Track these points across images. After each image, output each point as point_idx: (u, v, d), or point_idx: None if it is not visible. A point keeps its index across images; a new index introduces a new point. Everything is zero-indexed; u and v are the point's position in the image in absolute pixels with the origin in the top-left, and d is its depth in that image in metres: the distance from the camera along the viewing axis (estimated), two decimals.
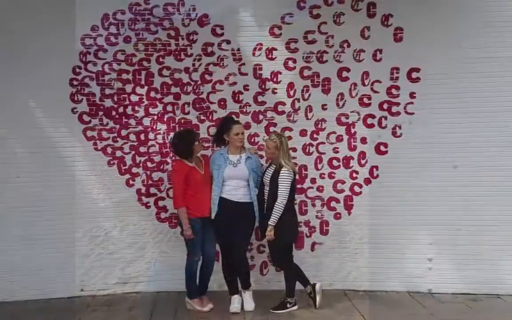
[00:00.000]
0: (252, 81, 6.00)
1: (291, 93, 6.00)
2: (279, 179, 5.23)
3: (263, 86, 6.01)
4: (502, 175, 5.88)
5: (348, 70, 5.96)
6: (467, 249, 5.92)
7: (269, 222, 5.23)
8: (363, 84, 5.96)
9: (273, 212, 5.21)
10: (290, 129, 6.01)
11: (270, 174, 5.33)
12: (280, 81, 6.00)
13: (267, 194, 5.33)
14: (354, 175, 6.05)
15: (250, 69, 5.99)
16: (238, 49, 5.97)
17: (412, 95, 5.92)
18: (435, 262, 5.99)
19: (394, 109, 5.96)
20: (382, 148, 5.99)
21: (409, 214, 5.96)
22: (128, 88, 5.95)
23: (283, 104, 6.02)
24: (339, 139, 6.03)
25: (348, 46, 5.94)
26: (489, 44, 5.80)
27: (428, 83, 5.87)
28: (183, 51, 5.95)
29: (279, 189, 5.22)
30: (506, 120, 5.85)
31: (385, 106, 5.97)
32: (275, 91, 6.02)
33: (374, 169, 6.02)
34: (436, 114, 5.88)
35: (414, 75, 5.90)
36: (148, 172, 6.04)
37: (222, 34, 5.96)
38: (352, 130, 6.01)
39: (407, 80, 5.91)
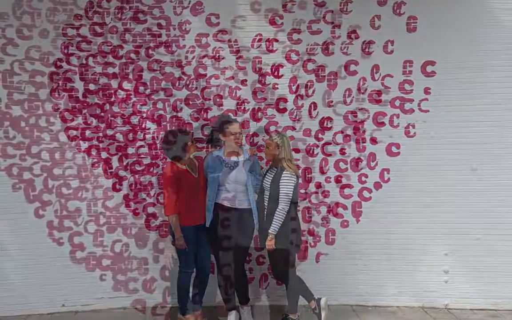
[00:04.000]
0: (251, 76, 5.84)
1: (294, 88, 5.84)
2: (280, 183, 5.09)
3: (263, 81, 5.85)
4: None
5: (356, 63, 5.81)
6: (487, 260, 5.82)
7: (269, 230, 5.10)
8: (373, 79, 5.81)
9: (273, 219, 5.07)
10: (293, 128, 5.88)
11: (271, 178, 5.20)
12: (282, 75, 5.84)
13: (267, 199, 5.19)
14: (363, 178, 5.90)
15: (249, 62, 5.82)
16: (236, 40, 5.81)
17: (426, 90, 5.79)
18: (452, 275, 5.89)
19: (407, 106, 5.82)
20: (393, 149, 5.86)
21: (423, 221, 5.85)
22: (115, 83, 5.79)
23: (285, 100, 5.87)
24: (347, 139, 5.89)
25: (357, 37, 5.79)
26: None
27: (444, 77, 5.73)
28: (175, 43, 5.79)
29: (280, 194, 5.08)
30: None
31: (397, 103, 5.83)
32: (276, 86, 5.86)
33: (385, 172, 5.88)
34: (453, 111, 5.75)
35: (429, 68, 5.76)
36: (137, 176, 5.88)
37: (217, 24, 5.80)
38: (361, 129, 5.87)
39: (421, 74, 5.78)
